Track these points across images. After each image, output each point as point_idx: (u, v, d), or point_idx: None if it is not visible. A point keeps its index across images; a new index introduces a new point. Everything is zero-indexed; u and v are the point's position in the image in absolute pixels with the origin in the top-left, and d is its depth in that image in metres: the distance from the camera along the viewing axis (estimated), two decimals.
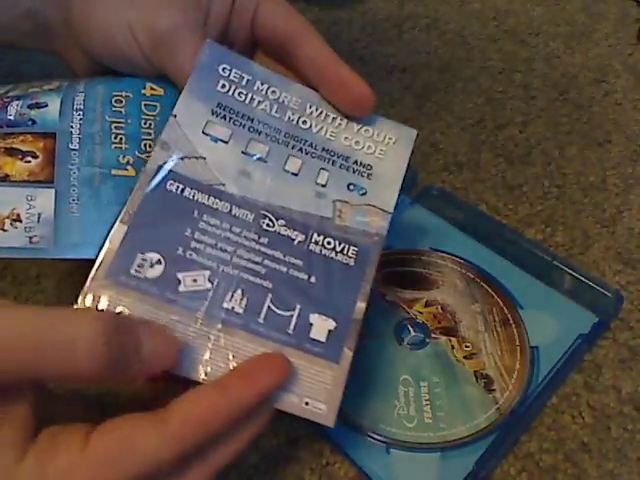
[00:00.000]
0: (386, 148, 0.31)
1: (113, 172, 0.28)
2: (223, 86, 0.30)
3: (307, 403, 0.25)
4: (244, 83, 0.30)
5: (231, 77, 0.30)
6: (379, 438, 0.31)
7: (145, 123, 0.30)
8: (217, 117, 0.29)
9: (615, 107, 0.49)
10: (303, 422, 0.32)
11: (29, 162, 0.27)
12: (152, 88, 0.31)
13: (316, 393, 0.25)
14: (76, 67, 0.34)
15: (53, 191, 0.27)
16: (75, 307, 0.24)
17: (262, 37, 0.32)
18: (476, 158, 0.46)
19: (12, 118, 0.28)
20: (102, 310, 0.24)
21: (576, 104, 0.50)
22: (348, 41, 0.56)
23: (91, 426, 0.22)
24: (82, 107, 0.29)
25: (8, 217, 0.26)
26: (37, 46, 0.34)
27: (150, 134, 0.30)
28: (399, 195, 0.30)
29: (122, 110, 0.30)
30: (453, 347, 0.34)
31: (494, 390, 0.32)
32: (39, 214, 0.27)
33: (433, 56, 0.54)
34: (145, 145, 0.29)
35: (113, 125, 0.29)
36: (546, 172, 0.45)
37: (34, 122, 0.28)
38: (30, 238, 0.26)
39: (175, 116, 0.29)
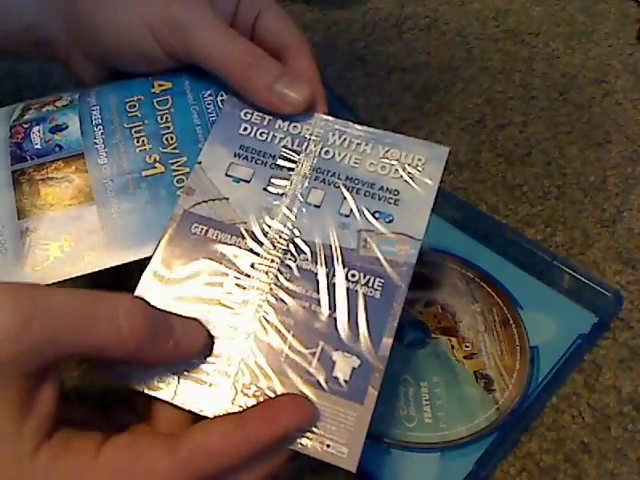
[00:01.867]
0: (414, 170, 0.29)
1: (144, 174, 0.29)
2: (245, 129, 0.30)
3: (328, 445, 0.24)
4: (265, 123, 0.31)
5: (252, 120, 0.31)
6: (379, 438, 0.31)
7: (161, 119, 0.31)
8: (239, 158, 0.30)
9: (615, 107, 0.49)
10: None
11: (67, 187, 0.29)
12: (160, 85, 0.32)
13: (338, 435, 0.24)
14: (80, 75, 0.34)
15: (94, 208, 0.28)
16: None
17: (259, 41, 0.32)
18: (476, 158, 0.46)
19: (39, 147, 0.30)
20: None
21: (576, 104, 0.50)
22: (348, 41, 0.56)
23: (104, 436, 0.22)
24: (100, 121, 0.31)
25: (64, 240, 0.28)
26: (39, 56, 0.35)
27: (169, 127, 0.31)
28: (429, 219, 0.28)
29: (137, 114, 0.31)
30: (453, 347, 0.34)
31: (494, 390, 0.32)
32: (88, 231, 0.28)
33: (433, 56, 0.54)
34: (167, 139, 0.30)
35: (133, 130, 0.30)
36: (546, 172, 0.45)
37: (61, 147, 0.30)
38: (83, 256, 0.28)
39: (200, 163, 0.29)
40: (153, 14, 0.30)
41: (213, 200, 0.29)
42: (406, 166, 0.29)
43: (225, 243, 0.28)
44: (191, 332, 0.25)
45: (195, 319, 0.26)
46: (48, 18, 0.32)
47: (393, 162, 0.29)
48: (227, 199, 0.29)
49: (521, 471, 0.31)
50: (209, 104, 0.31)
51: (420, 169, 0.29)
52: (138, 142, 0.30)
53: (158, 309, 0.25)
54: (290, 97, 0.29)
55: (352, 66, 0.53)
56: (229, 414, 0.24)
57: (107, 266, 0.27)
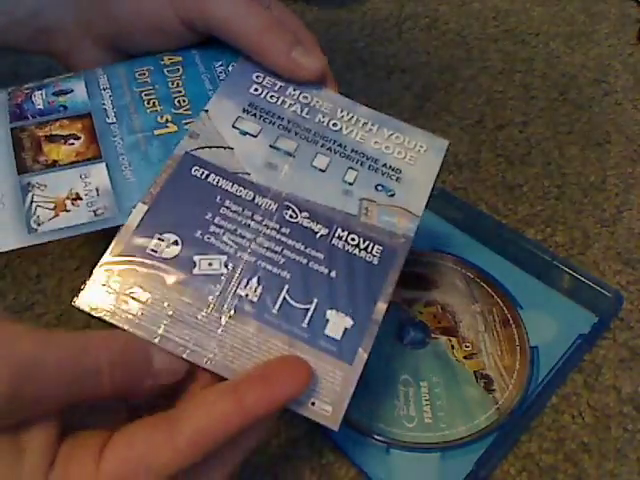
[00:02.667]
0: (417, 155, 0.31)
1: (156, 132, 0.29)
2: (256, 90, 0.31)
3: (313, 403, 0.24)
4: (277, 88, 0.31)
5: (264, 83, 0.31)
6: (379, 438, 0.31)
7: (172, 84, 0.31)
8: (247, 114, 0.30)
9: (615, 107, 0.49)
10: (303, 422, 0.32)
11: (73, 144, 0.28)
12: (170, 58, 0.32)
13: (324, 393, 0.24)
14: (80, 66, 0.34)
15: (104, 164, 0.28)
16: (87, 286, 0.25)
17: None
18: (476, 158, 0.46)
19: (41, 107, 0.29)
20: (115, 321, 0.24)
21: (576, 104, 0.50)
22: (348, 41, 0.56)
23: (106, 435, 0.22)
24: (108, 86, 0.30)
25: (68, 198, 0.27)
26: (36, 48, 0.34)
27: (180, 91, 0.31)
28: (427, 203, 0.30)
29: (147, 80, 0.31)
30: (453, 347, 0.34)
31: (494, 390, 0.32)
32: (97, 188, 0.27)
33: (433, 56, 0.54)
34: (179, 102, 0.30)
35: (143, 94, 0.30)
36: (546, 172, 0.45)
37: (65, 108, 0.29)
38: (94, 212, 0.27)
39: (207, 111, 0.29)
40: None
41: (217, 147, 0.28)
42: (409, 150, 0.31)
43: (225, 190, 0.27)
44: (168, 362, 0.24)
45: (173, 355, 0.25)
46: (51, 3, 0.32)
47: (397, 144, 0.31)
48: (232, 149, 0.29)
49: (521, 471, 0.31)
50: (220, 72, 0.32)
51: (422, 155, 0.31)
52: (148, 104, 0.30)
53: (138, 340, 0.24)
54: (306, 63, 0.30)
55: (352, 66, 0.53)
56: (226, 384, 0.23)
57: (117, 225, 0.26)
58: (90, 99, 0.30)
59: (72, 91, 0.30)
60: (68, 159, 0.28)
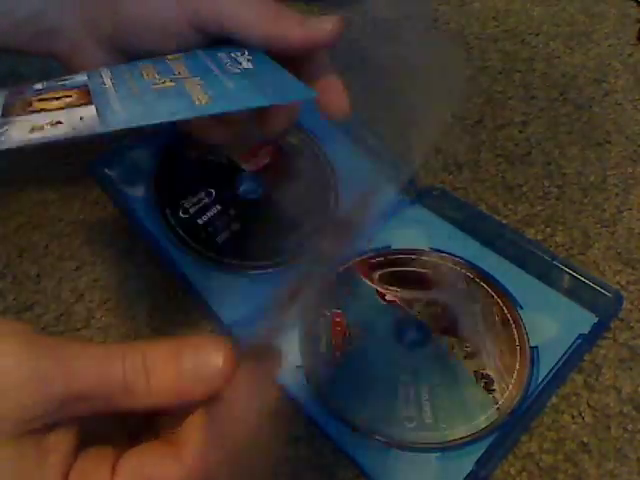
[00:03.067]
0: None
1: (152, 88, 0.29)
2: None
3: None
4: None
5: None
6: (379, 438, 0.31)
7: (171, 62, 0.31)
8: None
9: (615, 107, 0.49)
10: (303, 422, 0.32)
11: (64, 100, 0.28)
12: (173, 56, 0.32)
13: None
14: (83, 65, 0.34)
15: (93, 106, 0.27)
16: None
17: None
18: (476, 158, 0.46)
19: (40, 87, 0.29)
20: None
21: (576, 104, 0.50)
22: (348, 41, 0.56)
23: (117, 453, 0.22)
24: (110, 72, 0.31)
25: (48, 124, 0.26)
26: (38, 49, 0.34)
27: (180, 66, 0.31)
28: None
29: (153, 72, 0.31)
30: (453, 347, 0.34)
31: (494, 390, 0.32)
32: (81, 117, 0.27)
33: None
34: (178, 72, 0.30)
35: (142, 70, 0.31)
36: (546, 172, 0.45)
37: (64, 85, 0.29)
38: (73, 128, 0.26)
39: None
40: None
41: None
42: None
43: None
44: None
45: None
46: (57, 1, 0.32)
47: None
48: None
49: (521, 471, 0.31)
50: (225, 61, 0.31)
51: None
52: (148, 75, 0.30)
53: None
54: (321, 26, 0.31)
55: (352, 66, 0.53)
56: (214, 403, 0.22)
57: (99, 132, 0.26)
58: (89, 76, 0.30)
59: (72, 78, 0.30)
60: (57, 106, 0.27)
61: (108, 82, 0.30)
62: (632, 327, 0.36)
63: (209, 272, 0.37)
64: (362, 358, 0.34)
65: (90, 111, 0.27)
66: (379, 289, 0.37)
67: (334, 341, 0.34)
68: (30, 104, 0.28)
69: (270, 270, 0.38)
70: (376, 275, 0.38)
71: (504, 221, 0.41)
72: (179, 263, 0.37)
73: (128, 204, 0.39)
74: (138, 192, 0.40)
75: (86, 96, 0.28)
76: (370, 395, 0.32)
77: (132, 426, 0.24)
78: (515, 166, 0.45)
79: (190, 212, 0.39)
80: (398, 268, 0.38)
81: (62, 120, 0.26)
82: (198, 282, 0.37)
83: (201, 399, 0.22)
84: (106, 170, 0.40)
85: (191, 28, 0.31)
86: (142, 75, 0.30)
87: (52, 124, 0.26)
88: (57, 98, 0.28)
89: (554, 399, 0.33)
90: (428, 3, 0.57)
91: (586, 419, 0.32)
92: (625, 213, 0.42)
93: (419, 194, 0.42)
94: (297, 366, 0.33)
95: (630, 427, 0.32)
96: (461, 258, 0.38)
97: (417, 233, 0.40)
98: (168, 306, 0.37)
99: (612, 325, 0.36)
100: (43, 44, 0.34)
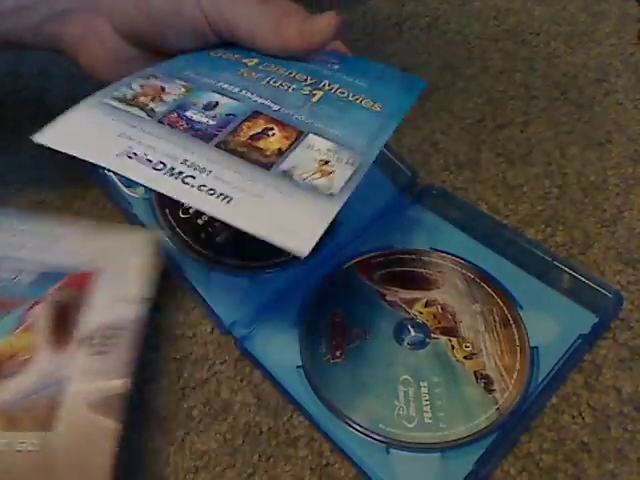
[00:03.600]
0: None
1: (312, 100, 0.31)
2: None
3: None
4: None
5: None
6: (379, 438, 0.31)
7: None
8: None
9: (616, 107, 0.49)
10: (303, 422, 0.32)
11: (274, 134, 0.28)
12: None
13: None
14: (94, 52, 0.34)
15: (311, 134, 0.28)
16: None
17: None
18: (476, 158, 0.46)
19: (213, 123, 0.29)
20: None
21: (577, 104, 0.50)
22: (348, 41, 0.55)
23: None
24: (239, 88, 0.31)
25: (320, 163, 0.27)
26: (42, 39, 0.33)
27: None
28: None
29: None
30: (453, 347, 0.34)
31: (494, 390, 0.32)
32: (327, 149, 0.28)
33: (433, 56, 0.54)
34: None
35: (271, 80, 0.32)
36: (546, 172, 0.45)
37: (234, 115, 0.29)
38: (350, 163, 0.27)
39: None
40: None
41: None
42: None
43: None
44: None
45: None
46: None
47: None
48: None
49: (521, 471, 0.31)
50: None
51: None
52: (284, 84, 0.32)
53: None
54: (321, 28, 0.32)
55: None
56: None
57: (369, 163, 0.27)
58: (239, 101, 0.30)
59: (217, 103, 0.30)
60: (284, 144, 0.28)
61: (272, 105, 0.30)
62: (632, 327, 0.36)
63: (209, 272, 0.37)
64: (362, 358, 0.34)
65: (320, 141, 0.28)
66: (379, 289, 0.37)
67: (334, 341, 0.34)
68: (253, 145, 0.28)
69: (270, 270, 0.38)
70: (376, 275, 0.38)
71: (504, 221, 0.41)
72: (179, 263, 0.37)
73: (128, 204, 0.39)
74: (138, 192, 0.40)
75: (278, 123, 0.29)
76: (370, 395, 0.32)
77: None
78: (515, 166, 0.45)
79: (190, 212, 0.39)
80: (398, 268, 0.38)
81: (323, 158, 0.28)
82: (198, 282, 0.37)
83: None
84: (106, 171, 0.40)
85: (211, 30, 0.32)
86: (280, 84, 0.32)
87: (323, 163, 0.27)
88: (263, 133, 0.29)
89: (554, 399, 0.33)
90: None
91: (586, 419, 0.32)
92: (625, 213, 0.42)
93: (419, 194, 0.42)
94: (297, 366, 0.33)
95: (630, 427, 0.32)
96: (461, 258, 0.38)
97: (417, 233, 0.40)
98: (168, 306, 0.37)
99: (612, 325, 0.36)
100: (52, 30, 0.33)
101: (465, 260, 0.38)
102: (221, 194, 0.24)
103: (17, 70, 0.52)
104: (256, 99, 0.30)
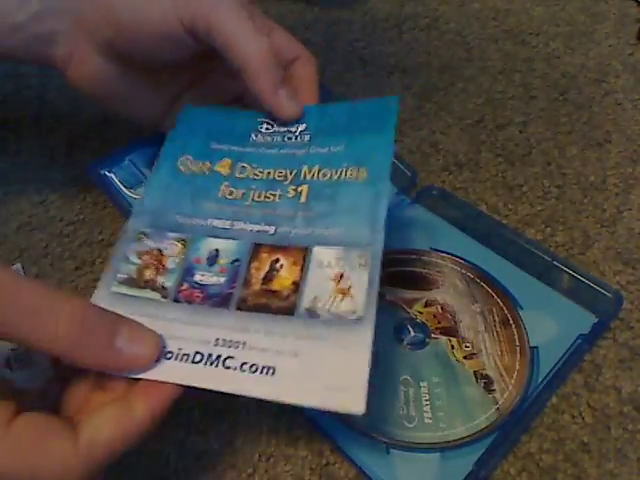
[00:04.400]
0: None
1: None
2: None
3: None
4: None
5: None
6: (379, 438, 0.31)
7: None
8: None
9: (615, 107, 0.49)
10: (303, 422, 0.32)
11: (281, 266, 0.28)
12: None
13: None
14: (81, 71, 0.34)
15: (317, 247, 0.28)
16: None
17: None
18: (476, 158, 0.46)
19: (223, 278, 0.28)
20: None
21: (576, 104, 0.50)
22: (348, 41, 0.56)
23: (17, 409, 0.23)
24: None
25: (337, 290, 0.27)
26: (34, 56, 0.34)
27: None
28: None
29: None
30: (453, 347, 0.34)
31: (494, 390, 0.32)
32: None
33: (433, 56, 0.54)
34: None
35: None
36: (546, 172, 0.45)
37: (237, 261, 0.29)
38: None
39: None
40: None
41: None
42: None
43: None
44: (138, 341, 0.25)
45: (149, 330, 0.26)
46: (55, 4, 0.32)
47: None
48: None
49: (521, 471, 0.31)
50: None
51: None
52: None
53: (112, 314, 0.25)
54: (287, 106, 0.32)
55: (352, 66, 0.53)
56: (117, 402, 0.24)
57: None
58: (236, 240, 0.29)
59: (217, 252, 0.29)
60: (296, 273, 0.27)
61: (268, 238, 0.29)
62: (632, 327, 0.36)
63: None
64: None
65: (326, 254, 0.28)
66: (379, 289, 0.37)
67: None
68: (266, 290, 0.27)
69: None
70: None
71: (504, 221, 0.41)
72: None
73: (128, 205, 0.39)
74: (138, 194, 0.40)
75: (277, 250, 0.29)
76: (370, 395, 0.32)
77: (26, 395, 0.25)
78: (515, 166, 0.45)
79: None
80: (398, 268, 0.38)
81: (344, 287, 0.27)
82: None
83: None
84: (106, 172, 0.40)
85: (188, 35, 0.31)
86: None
87: (341, 290, 0.27)
88: (270, 270, 0.28)
89: (554, 399, 0.33)
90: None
91: (586, 419, 0.32)
92: (625, 213, 0.42)
93: (419, 194, 0.42)
94: None
95: (630, 427, 0.32)
96: (461, 258, 0.38)
97: (417, 233, 0.40)
98: None
99: (612, 325, 0.36)
100: (41, 49, 0.33)
101: (465, 260, 0.38)
102: (264, 367, 0.25)
103: (17, 70, 0.52)
104: (251, 228, 0.30)
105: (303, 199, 0.30)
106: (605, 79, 0.52)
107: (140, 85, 0.35)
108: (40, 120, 0.48)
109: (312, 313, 0.26)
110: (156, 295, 0.28)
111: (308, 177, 0.31)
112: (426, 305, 0.36)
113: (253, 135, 0.34)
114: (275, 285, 0.27)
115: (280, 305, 0.26)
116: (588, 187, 0.44)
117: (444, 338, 0.35)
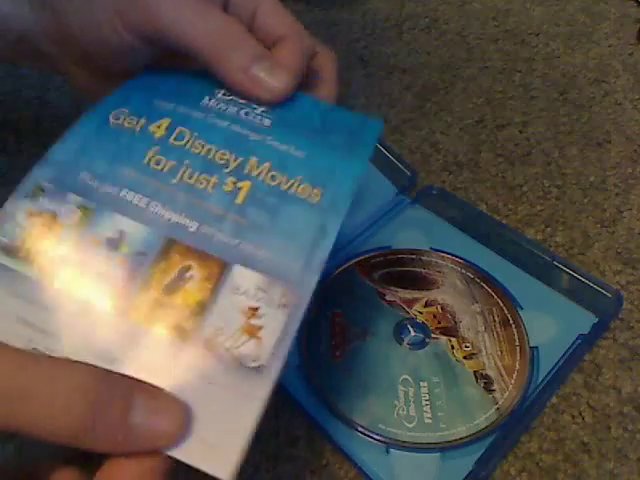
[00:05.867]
0: None
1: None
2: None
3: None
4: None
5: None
6: (379, 438, 0.31)
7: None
8: None
9: (615, 107, 0.49)
10: (303, 422, 0.32)
11: (191, 276, 0.23)
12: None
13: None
14: (75, 85, 0.33)
15: (237, 265, 0.23)
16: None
17: (258, 37, 0.31)
18: (476, 158, 0.46)
19: (122, 271, 0.23)
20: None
21: (576, 104, 0.50)
22: (348, 41, 0.56)
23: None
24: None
25: (248, 317, 0.22)
26: (39, 66, 0.34)
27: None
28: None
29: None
30: (453, 347, 0.34)
31: (494, 390, 0.32)
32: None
33: (433, 56, 0.54)
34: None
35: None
36: (546, 172, 0.45)
37: (143, 253, 0.23)
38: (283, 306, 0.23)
39: None
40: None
41: None
42: None
43: None
44: (155, 418, 0.19)
45: (172, 398, 0.20)
46: (34, 26, 0.31)
47: None
48: None
49: (521, 471, 0.31)
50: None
51: None
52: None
53: (119, 376, 0.20)
54: (267, 83, 0.27)
55: (352, 66, 0.53)
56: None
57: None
58: (148, 225, 0.24)
59: (121, 234, 0.24)
60: (205, 292, 0.23)
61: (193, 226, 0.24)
62: (632, 327, 0.36)
63: None
64: (362, 358, 0.34)
65: (247, 275, 0.23)
66: (379, 289, 0.37)
67: (334, 341, 0.34)
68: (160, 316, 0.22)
69: None
70: (376, 275, 0.38)
71: (504, 221, 0.41)
72: None
73: None
74: None
75: (197, 254, 0.23)
76: (370, 395, 0.32)
77: None
78: (515, 166, 0.45)
79: None
80: (398, 268, 0.38)
81: (253, 305, 0.22)
82: None
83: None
84: None
85: (138, 40, 0.28)
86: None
87: (250, 314, 0.23)
88: (177, 279, 0.23)
89: (554, 399, 0.33)
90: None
91: (586, 419, 0.32)
92: (625, 213, 0.42)
93: (419, 194, 0.42)
94: (297, 366, 0.33)
95: (630, 427, 0.32)
96: (461, 258, 0.38)
97: (417, 233, 0.40)
98: None
99: (612, 325, 0.36)
100: (41, 61, 0.33)
101: (465, 260, 0.38)
102: None
103: (17, 70, 0.52)
104: (169, 216, 0.24)
105: (240, 199, 0.24)
106: (605, 79, 0.52)
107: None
108: (40, 120, 0.48)
109: (210, 348, 0.21)
110: (33, 273, 0.22)
111: (254, 173, 0.25)
112: (426, 305, 0.36)
113: (207, 98, 0.28)
114: (178, 299, 0.22)
115: (178, 323, 0.22)
116: (588, 187, 0.44)
117: (444, 338, 0.35)
